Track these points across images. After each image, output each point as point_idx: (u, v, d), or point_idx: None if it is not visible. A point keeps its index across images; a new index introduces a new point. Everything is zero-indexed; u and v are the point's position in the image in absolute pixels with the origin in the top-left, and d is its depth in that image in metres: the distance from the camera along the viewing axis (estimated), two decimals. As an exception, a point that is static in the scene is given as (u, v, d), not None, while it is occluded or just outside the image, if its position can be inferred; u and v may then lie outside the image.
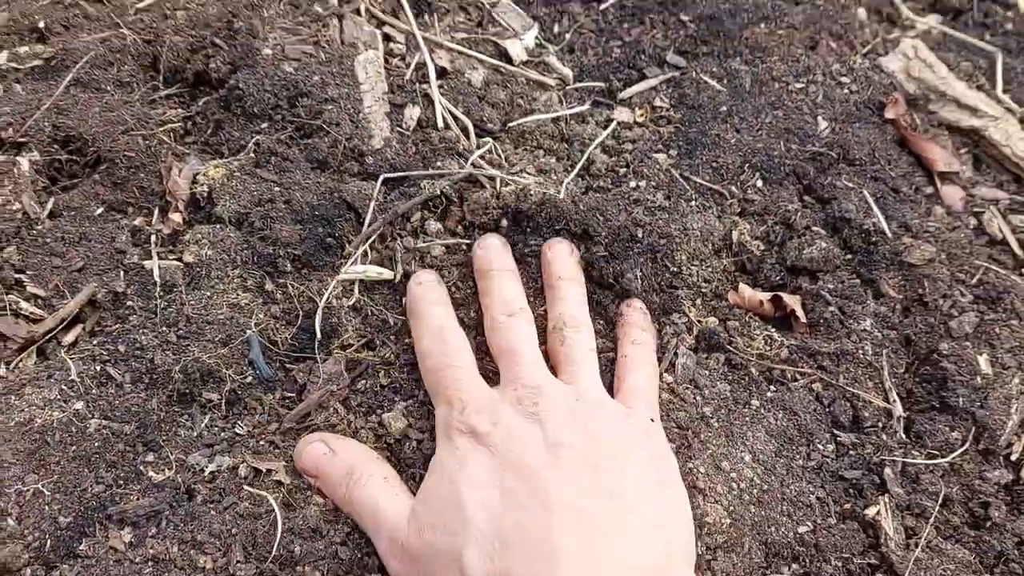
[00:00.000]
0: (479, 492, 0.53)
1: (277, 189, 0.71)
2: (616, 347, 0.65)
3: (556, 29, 0.88)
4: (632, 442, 0.57)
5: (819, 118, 0.80)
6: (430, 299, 0.66)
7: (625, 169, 0.76)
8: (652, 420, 0.60)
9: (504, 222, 0.70)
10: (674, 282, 0.68)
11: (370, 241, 0.70)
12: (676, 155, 0.77)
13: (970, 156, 0.80)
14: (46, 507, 0.56)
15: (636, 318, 0.66)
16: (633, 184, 0.74)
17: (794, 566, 0.59)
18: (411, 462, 0.60)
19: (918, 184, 0.77)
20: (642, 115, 0.81)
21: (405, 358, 0.66)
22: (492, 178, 0.73)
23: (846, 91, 0.83)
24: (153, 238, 0.70)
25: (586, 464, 0.54)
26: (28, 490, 0.56)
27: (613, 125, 0.79)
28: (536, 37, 0.86)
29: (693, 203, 0.73)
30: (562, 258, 0.67)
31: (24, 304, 0.66)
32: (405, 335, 0.67)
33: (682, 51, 0.86)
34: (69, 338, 0.65)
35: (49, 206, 0.70)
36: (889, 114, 0.80)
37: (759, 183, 0.76)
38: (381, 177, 0.72)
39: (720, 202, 0.75)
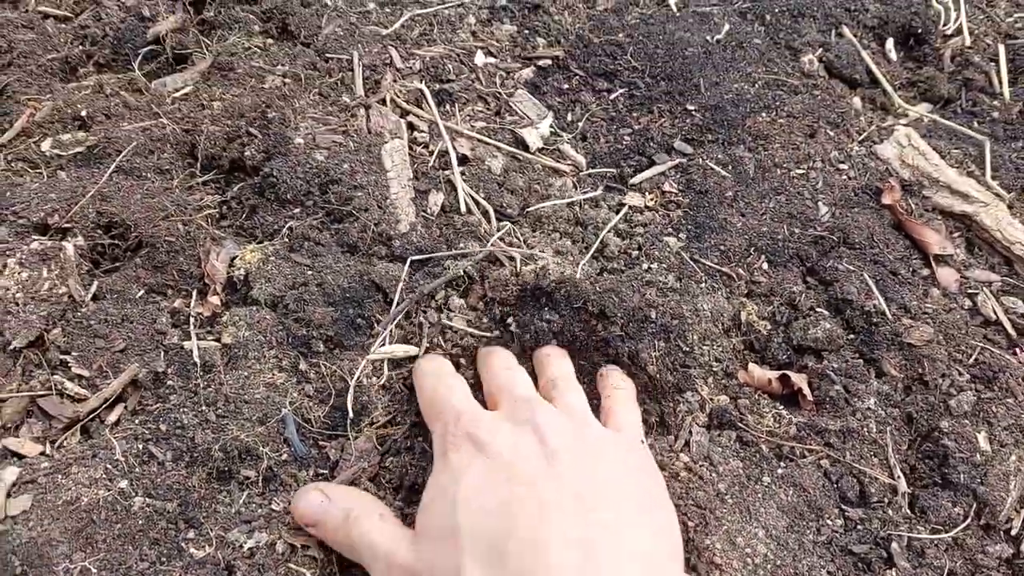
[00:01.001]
0: (476, 504, 0.55)
1: (310, 272, 0.75)
2: (600, 396, 0.71)
3: (569, 118, 0.93)
4: (625, 455, 0.62)
5: (820, 203, 0.85)
6: (431, 357, 0.72)
7: (637, 252, 0.80)
8: (641, 441, 0.66)
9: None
10: (687, 361, 0.72)
11: (397, 320, 0.74)
12: (685, 238, 0.82)
13: (963, 239, 0.85)
14: (93, 584, 0.58)
15: (615, 373, 0.72)
16: (645, 266, 0.78)
17: (808, 640, 0.62)
18: None
19: (915, 267, 0.82)
20: (652, 200, 0.85)
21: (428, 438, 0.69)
22: (512, 258, 0.77)
23: (844, 177, 0.88)
24: (192, 320, 0.73)
25: (583, 474, 0.57)
26: (76, 568, 0.58)
27: (625, 209, 0.84)
28: (551, 126, 0.91)
29: (703, 285, 0.77)
30: (554, 351, 0.73)
31: (69, 384, 0.69)
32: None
33: (689, 139, 0.91)
34: (112, 417, 0.68)
35: (93, 289, 0.74)
36: (886, 200, 0.85)
37: (765, 265, 0.80)
38: (408, 260, 0.76)
39: (728, 283, 0.79)
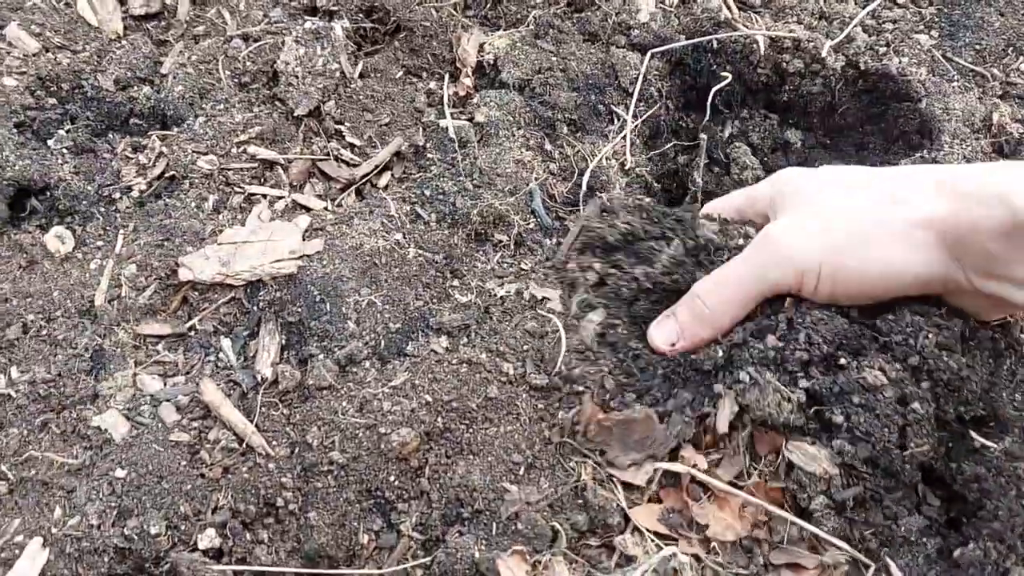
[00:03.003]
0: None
1: (555, 59, 0.78)
2: None
3: (816, -91, 0.89)
4: None
5: (1092, 2, 0.79)
6: None
7: (885, 48, 0.78)
8: None
9: None
10: (939, 159, 0.71)
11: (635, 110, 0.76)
12: (938, 36, 0.79)
13: None
14: (378, 315, 0.67)
15: None
16: (896, 62, 0.76)
17: None
18: None
19: None
20: (904, -4, 0.82)
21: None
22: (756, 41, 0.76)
23: (1123, -26, 0.80)
24: (446, 99, 0.79)
25: None
26: (364, 300, 0.68)
27: (874, 4, 0.81)
28: (796, -83, 0.87)
29: (955, 83, 0.75)
30: None
31: (344, 151, 0.77)
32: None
33: (947, -68, 0.85)
34: (382, 182, 0.76)
35: (359, 68, 0.80)
36: None
37: (1023, 67, 0.76)
38: (649, 52, 0.78)
39: (982, 84, 0.76)
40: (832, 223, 0.55)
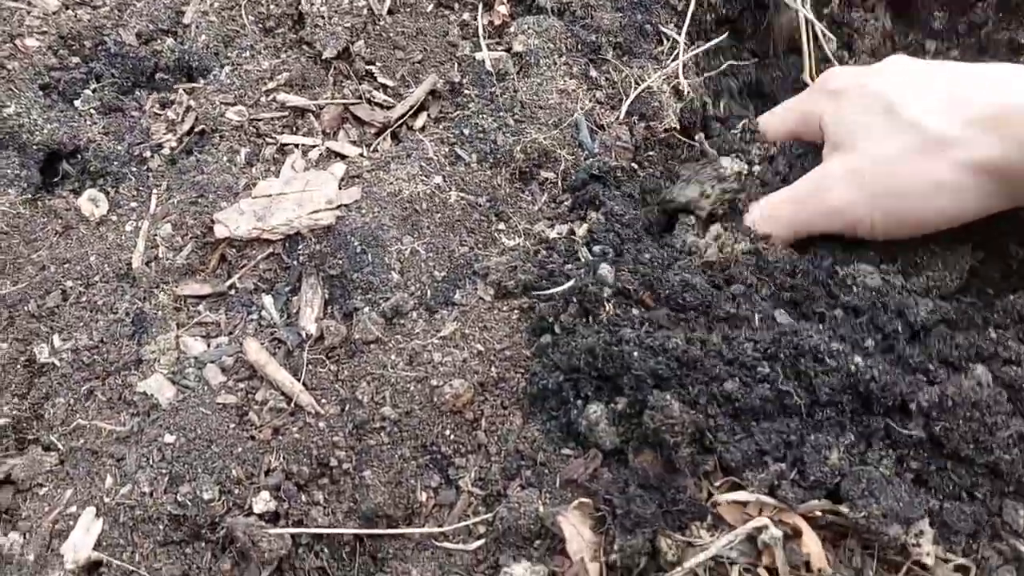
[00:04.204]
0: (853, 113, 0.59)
1: (595, -22, 0.73)
2: None
3: None
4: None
5: None
6: None
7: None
8: None
9: None
10: None
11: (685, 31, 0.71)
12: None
13: None
14: (423, 264, 0.64)
15: None
16: None
17: None
18: None
19: None
20: None
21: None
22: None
23: None
24: (481, 30, 0.74)
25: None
26: (407, 249, 0.64)
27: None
28: None
29: None
30: None
31: (376, 93, 0.73)
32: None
33: None
34: (418, 124, 0.72)
35: (387, 3, 0.76)
36: None
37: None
38: (697, -38, 0.72)
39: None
40: (878, 173, 0.56)
